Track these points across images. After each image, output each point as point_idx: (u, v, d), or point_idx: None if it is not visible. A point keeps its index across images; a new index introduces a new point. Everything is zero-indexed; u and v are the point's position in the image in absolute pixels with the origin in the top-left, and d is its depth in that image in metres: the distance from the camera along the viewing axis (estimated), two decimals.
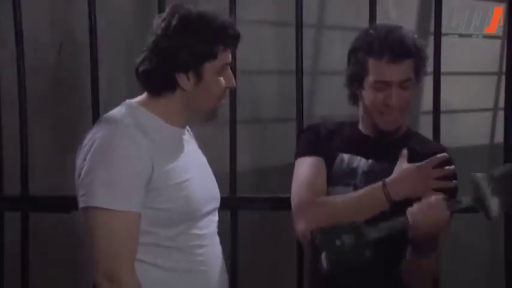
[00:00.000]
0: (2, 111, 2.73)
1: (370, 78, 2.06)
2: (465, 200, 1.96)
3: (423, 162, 2.03)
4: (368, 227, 1.92)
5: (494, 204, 1.93)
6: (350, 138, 2.15)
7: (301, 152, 2.16)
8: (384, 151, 2.09)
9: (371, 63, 2.05)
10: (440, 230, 1.94)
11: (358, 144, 2.13)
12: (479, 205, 1.95)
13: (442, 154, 2.04)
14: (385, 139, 2.13)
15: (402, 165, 2.04)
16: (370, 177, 2.08)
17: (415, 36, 2.10)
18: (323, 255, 1.90)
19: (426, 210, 1.92)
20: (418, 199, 1.99)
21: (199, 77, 1.89)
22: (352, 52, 2.12)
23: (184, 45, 1.86)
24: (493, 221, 1.95)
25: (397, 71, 2.04)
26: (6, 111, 2.75)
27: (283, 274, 2.92)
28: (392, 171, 2.05)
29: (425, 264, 2.01)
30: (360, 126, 2.17)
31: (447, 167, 2.03)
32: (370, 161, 2.10)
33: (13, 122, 2.69)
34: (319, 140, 2.16)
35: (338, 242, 1.89)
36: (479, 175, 1.95)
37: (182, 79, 1.89)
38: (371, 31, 2.10)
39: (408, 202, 2.01)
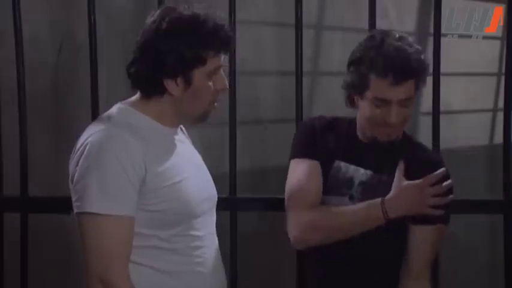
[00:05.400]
0: (2, 111, 2.73)
1: (370, 94, 2.01)
2: None
3: (421, 181, 2.01)
4: None
5: None
6: (347, 144, 2.13)
7: (296, 154, 2.14)
8: (382, 161, 2.08)
9: (373, 79, 1.99)
10: None
11: (356, 152, 2.11)
12: None
13: (440, 170, 2.02)
14: (382, 147, 2.10)
15: (400, 182, 2.03)
16: (367, 188, 2.07)
17: (419, 49, 2.03)
18: None
19: None
20: (414, 215, 2.02)
21: (188, 83, 1.86)
22: (354, 63, 2.05)
23: (172, 51, 1.83)
24: None
25: (398, 92, 1.99)
26: (6, 111, 2.74)
27: (283, 275, 2.92)
28: (389, 184, 2.04)
29: None
30: (358, 131, 2.14)
31: (444, 183, 2.02)
32: (368, 171, 2.09)
33: (13, 122, 2.69)
34: (315, 141, 2.13)
35: None
36: None
37: (170, 85, 1.87)
38: (374, 43, 2.02)
39: (404, 218, 2.03)
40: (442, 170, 2.03)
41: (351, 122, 2.16)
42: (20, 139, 2.67)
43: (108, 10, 2.98)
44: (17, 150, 2.67)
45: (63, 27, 3.10)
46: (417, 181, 2.01)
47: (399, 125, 2.05)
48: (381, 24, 2.37)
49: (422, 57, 2.02)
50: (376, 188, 2.05)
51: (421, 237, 2.05)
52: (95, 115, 2.58)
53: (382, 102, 2.00)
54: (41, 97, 3.03)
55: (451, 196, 2.04)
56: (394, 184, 2.03)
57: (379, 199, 2.01)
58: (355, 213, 2.02)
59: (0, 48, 2.90)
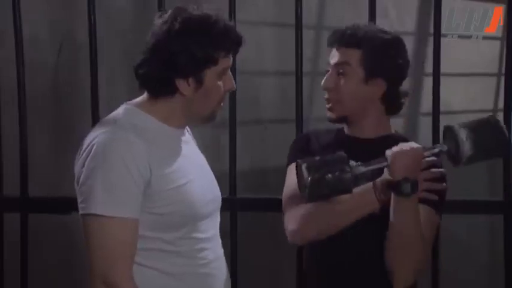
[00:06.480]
0: (2, 111, 2.73)
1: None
2: (439, 145, 2.00)
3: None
4: (352, 163, 1.96)
5: (467, 147, 1.96)
6: (337, 141, 2.18)
7: (291, 160, 2.18)
8: (371, 153, 2.09)
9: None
10: (416, 168, 1.96)
11: (346, 147, 2.12)
12: (453, 150, 1.98)
13: (430, 158, 2.03)
14: (371, 141, 2.13)
15: None
16: (359, 180, 2.05)
17: (384, 32, 2.12)
18: (308, 184, 1.91)
19: (402, 149, 1.95)
20: None
21: (199, 83, 1.87)
22: None
23: (185, 51, 1.84)
24: (462, 164, 1.98)
25: (336, 54, 2.10)
26: (6, 111, 2.74)
27: (283, 275, 2.93)
28: (380, 174, 2.03)
29: (410, 225, 1.99)
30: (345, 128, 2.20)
31: (436, 170, 2.03)
32: (359, 163, 2.10)
33: (13, 122, 2.69)
34: (308, 146, 2.18)
35: (326, 174, 1.91)
36: (454, 125, 1.98)
37: (182, 85, 1.87)
38: None
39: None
40: (432, 158, 2.04)
41: (340, 128, 2.22)
42: (20, 139, 2.67)
43: (108, 10, 2.98)
44: (17, 150, 2.68)
45: (63, 27, 3.10)
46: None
47: (332, 95, 2.12)
48: (380, 24, 2.36)
49: (378, 35, 2.10)
50: (367, 180, 2.05)
51: None
52: (95, 115, 2.59)
53: (327, 67, 2.13)
54: (41, 97, 3.03)
55: (444, 184, 2.05)
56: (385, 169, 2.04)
57: (370, 183, 2.02)
58: (348, 200, 2.03)
59: (0, 48, 2.90)
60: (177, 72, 1.86)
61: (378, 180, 2.02)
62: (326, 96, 2.14)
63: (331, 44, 2.13)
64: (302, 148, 2.19)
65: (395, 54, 2.11)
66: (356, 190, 2.03)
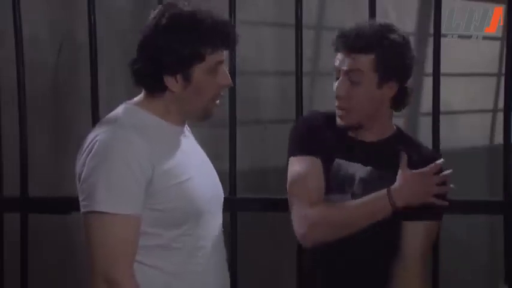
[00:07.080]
0: (2, 111, 2.73)
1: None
2: None
3: (426, 169, 2.02)
4: None
5: None
6: (346, 142, 2.12)
7: (296, 151, 2.12)
8: (380, 157, 2.08)
9: (336, 56, 2.07)
10: None
11: (355, 149, 2.11)
12: None
13: (440, 160, 2.05)
14: (378, 142, 2.11)
15: (405, 171, 2.03)
16: (368, 184, 2.06)
17: (391, 31, 2.06)
18: None
19: None
20: (418, 204, 2.02)
21: (187, 80, 1.86)
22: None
23: (170, 48, 1.83)
24: None
25: (347, 60, 2.04)
26: (6, 111, 2.74)
27: (283, 275, 2.92)
28: (389, 179, 2.04)
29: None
30: None
31: (445, 172, 2.03)
32: (368, 167, 2.08)
33: (13, 122, 2.69)
34: (314, 138, 2.12)
35: None
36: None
37: (170, 81, 1.87)
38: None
39: (408, 208, 2.02)
40: (441, 160, 2.05)
41: None
42: (20, 139, 2.67)
43: (108, 10, 2.98)
44: (17, 150, 2.67)
45: (63, 27, 3.10)
46: (422, 169, 2.02)
47: (346, 103, 2.06)
48: None
49: (387, 34, 2.04)
50: (376, 184, 2.05)
51: (412, 233, 2.06)
52: (94, 115, 2.59)
53: (336, 74, 2.07)
54: (41, 97, 3.03)
55: (451, 186, 2.06)
56: (399, 174, 2.03)
57: (385, 190, 2.01)
58: (362, 206, 2.02)
59: (0, 48, 2.90)
60: (164, 69, 1.85)
61: (392, 187, 2.02)
62: (337, 104, 2.08)
63: (338, 49, 2.06)
64: (307, 140, 2.12)
65: (405, 54, 2.07)
66: (370, 196, 2.03)
